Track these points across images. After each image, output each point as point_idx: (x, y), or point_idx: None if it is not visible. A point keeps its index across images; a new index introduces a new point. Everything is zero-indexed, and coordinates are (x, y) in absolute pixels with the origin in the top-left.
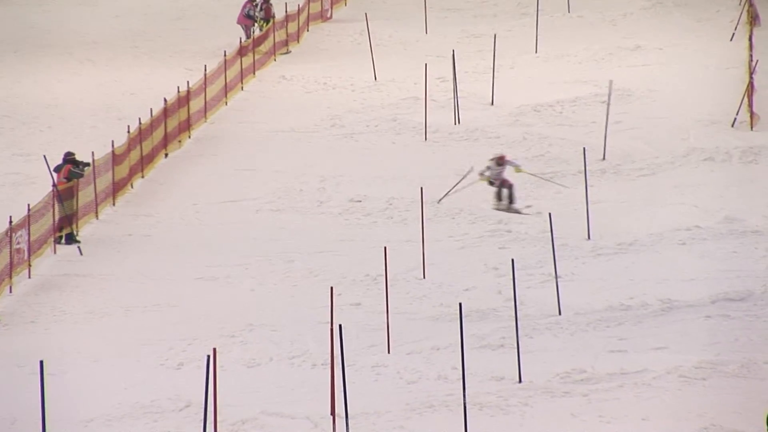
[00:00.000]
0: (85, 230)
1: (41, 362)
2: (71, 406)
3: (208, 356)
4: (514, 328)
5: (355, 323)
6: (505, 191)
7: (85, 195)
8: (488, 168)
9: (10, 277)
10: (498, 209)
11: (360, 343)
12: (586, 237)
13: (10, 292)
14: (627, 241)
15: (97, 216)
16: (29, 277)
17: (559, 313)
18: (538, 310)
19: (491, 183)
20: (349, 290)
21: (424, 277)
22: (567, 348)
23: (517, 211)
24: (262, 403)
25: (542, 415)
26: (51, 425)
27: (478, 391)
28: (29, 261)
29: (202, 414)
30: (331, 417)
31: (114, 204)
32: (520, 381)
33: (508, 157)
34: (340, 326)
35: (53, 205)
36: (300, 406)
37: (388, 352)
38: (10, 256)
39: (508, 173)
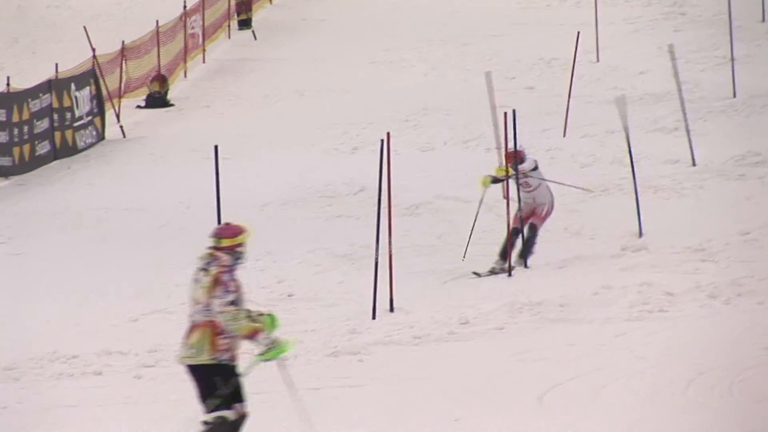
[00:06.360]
0: (259, 15)
1: (216, 146)
2: (246, 190)
3: (382, 140)
4: (687, 111)
5: (529, 107)
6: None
7: None
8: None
9: (185, 62)
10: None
11: (534, 126)
12: (761, 19)
13: (185, 76)
14: None
15: (270, 1)
16: (203, 62)
17: (734, 96)
18: (712, 93)
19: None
20: (522, 74)
21: (598, 61)
22: (742, 131)
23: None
24: (436, 187)
25: (717, 198)
26: (225, 209)
27: (653, 174)
28: (203, 46)
29: (376, 198)
30: (505, 200)
31: None
32: (694, 164)
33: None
34: (513, 111)
35: None
36: (474, 189)
37: (564, 135)
38: (185, 40)
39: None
